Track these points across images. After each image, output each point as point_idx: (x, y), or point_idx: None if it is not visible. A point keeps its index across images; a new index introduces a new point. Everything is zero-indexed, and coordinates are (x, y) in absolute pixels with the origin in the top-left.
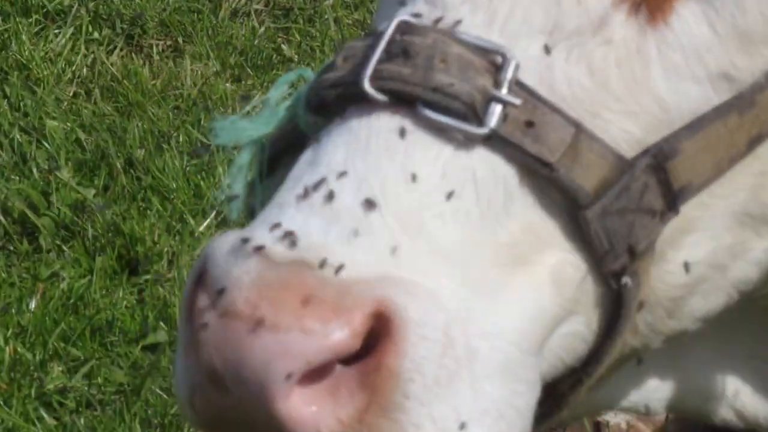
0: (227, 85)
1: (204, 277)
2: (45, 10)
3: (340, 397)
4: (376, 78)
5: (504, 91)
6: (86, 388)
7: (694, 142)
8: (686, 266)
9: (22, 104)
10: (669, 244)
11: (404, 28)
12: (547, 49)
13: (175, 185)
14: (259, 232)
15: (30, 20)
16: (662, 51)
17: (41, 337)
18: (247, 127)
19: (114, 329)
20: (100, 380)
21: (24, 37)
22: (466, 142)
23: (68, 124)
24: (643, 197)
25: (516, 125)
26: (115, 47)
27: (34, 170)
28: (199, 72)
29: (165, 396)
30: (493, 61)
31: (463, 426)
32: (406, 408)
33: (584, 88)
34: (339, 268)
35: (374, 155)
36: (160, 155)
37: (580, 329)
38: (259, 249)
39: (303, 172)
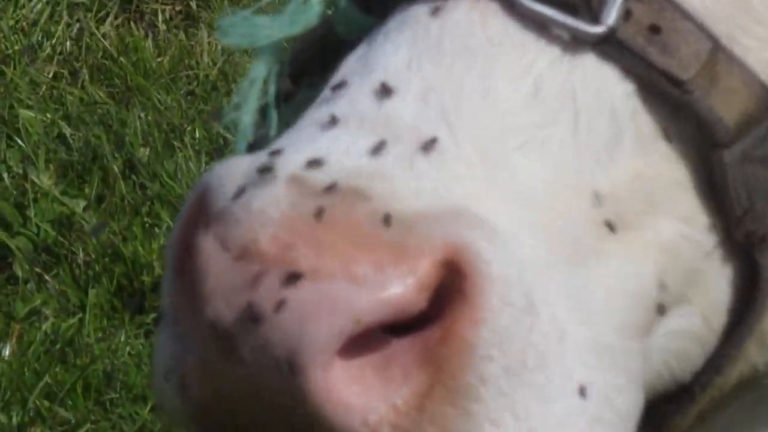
0: None
1: (205, 213)
2: None
3: (394, 376)
4: None
5: None
6: None
7: None
8: None
9: None
10: None
11: None
12: None
13: (188, 197)
14: (286, 154)
15: None
16: None
17: (18, 394)
18: (266, 24)
19: (114, 384)
20: None
21: None
22: (571, 47)
23: (48, 115)
24: None
25: (638, 28)
26: (108, 13)
27: (5, 176)
28: (219, 47)
29: None
30: None
31: (553, 429)
32: (481, 396)
33: (719, 3)
34: (399, 200)
35: (448, 58)
36: (169, 156)
37: (693, 326)
38: (289, 173)
39: (347, 82)
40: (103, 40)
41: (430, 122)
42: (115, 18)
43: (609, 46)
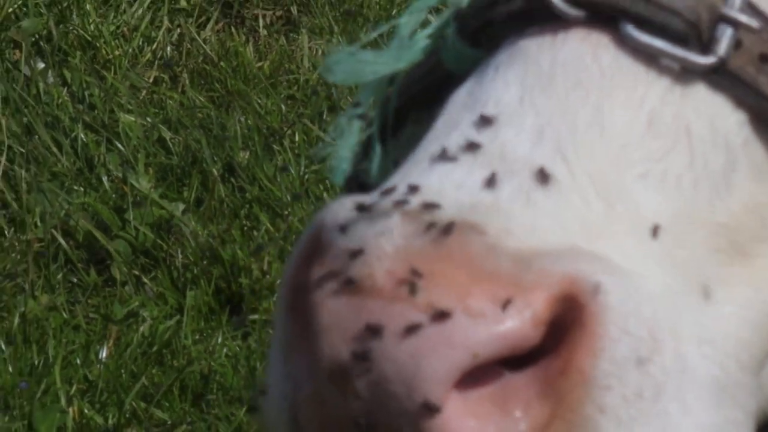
0: None
1: (319, 249)
2: None
3: (512, 409)
4: None
5: (736, 7)
6: None
7: None
8: None
9: (87, 94)
10: None
11: None
12: None
13: (289, 198)
14: (399, 189)
15: None
16: None
17: (115, 396)
18: (371, 60)
19: (211, 385)
20: None
21: (88, 6)
22: (681, 78)
23: (148, 119)
24: None
25: (749, 57)
26: (209, 19)
27: (104, 179)
28: (320, 50)
29: None
30: None
31: None
32: (600, 426)
33: None
34: (515, 236)
35: (560, 92)
36: (269, 159)
37: None
38: (401, 205)
39: (458, 116)
40: (203, 45)
41: (546, 156)
42: (216, 23)
43: (720, 77)
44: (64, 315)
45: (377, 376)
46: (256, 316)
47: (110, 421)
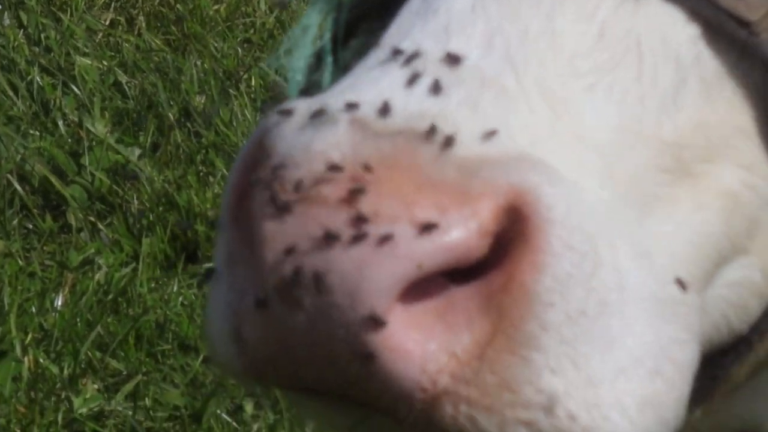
0: None
1: (263, 156)
2: None
3: (455, 324)
4: None
5: None
6: (130, 413)
7: None
8: None
9: (43, 36)
10: None
11: None
12: None
13: (245, 143)
14: (343, 98)
15: None
16: None
17: (70, 345)
18: None
19: (166, 335)
20: (148, 402)
21: None
22: None
23: (104, 62)
24: None
25: None
26: None
27: (60, 123)
28: None
29: (234, 423)
30: None
31: (611, 379)
32: (542, 344)
33: None
34: (463, 145)
35: (512, 0)
36: (225, 104)
37: (752, 276)
38: (348, 112)
39: (409, 24)
40: None
41: (495, 65)
42: None
43: None
44: (20, 262)
45: (320, 286)
46: (211, 264)
47: (66, 371)
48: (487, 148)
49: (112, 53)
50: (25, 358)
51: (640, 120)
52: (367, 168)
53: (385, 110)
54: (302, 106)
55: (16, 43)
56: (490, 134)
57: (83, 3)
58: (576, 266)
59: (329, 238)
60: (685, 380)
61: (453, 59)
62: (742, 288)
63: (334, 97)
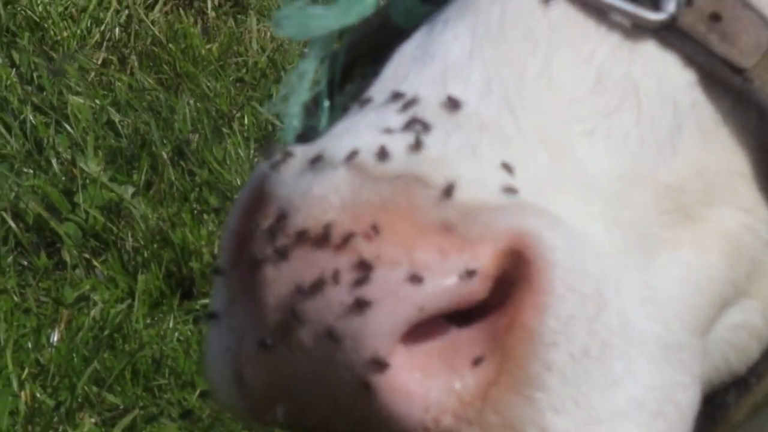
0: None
1: (263, 202)
2: None
3: (458, 364)
4: None
5: None
6: None
7: None
8: None
9: (35, 75)
10: None
11: None
12: None
13: (239, 181)
14: (342, 143)
15: None
16: None
17: (67, 380)
18: (320, 15)
19: (163, 370)
20: None
21: None
22: (631, 35)
23: (97, 101)
24: None
25: (700, 16)
26: (157, 0)
27: (54, 162)
28: (269, 33)
29: None
30: None
31: (613, 419)
32: (545, 384)
33: None
34: (463, 190)
35: (510, 44)
36: (218, 142)
37: (752, 319)
38: (349, 159)
39: (405, 69)
40: (152, 26)
41: (494, 109)
42: (164, 5)
43: (670, 34)
44: (15, 298)
45: (323, 329)
46: (206, 301)
47: (62, 406)
48: (486, 194)
49: (105, 92)
50: (22, 393)
51: (639, 164)
52: (368, 212)
53: (383, 155)
54: (300, 152)
55: (9, 82)
56: (489, 181)
57: (75, 42)
58: (579, 307)
59: (330, 283)
60: (686, 422)
61: (451, 104)
62: (742, 330)
63: (331, 142)
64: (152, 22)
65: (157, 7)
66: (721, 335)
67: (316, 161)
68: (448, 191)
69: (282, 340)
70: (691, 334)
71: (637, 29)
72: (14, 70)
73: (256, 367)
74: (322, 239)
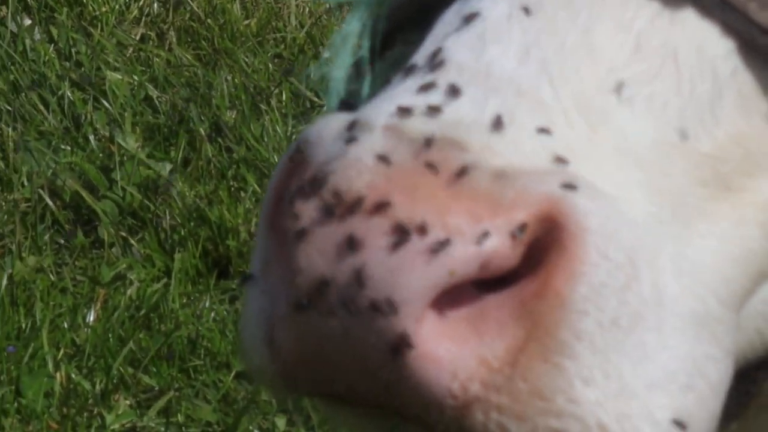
0: None
1: (300, 167)
2: None
3: (487, 331)
4: None
5: None
6: (162, 429)
7: None
8: None
9: (73, 51)
10: None
11: None
12: None
13: (276, 158)
14: (381, 108)
15: None
16: None
17: (102, 361)
18: None
19: (198, 350)
20: (180, 418)
21: None
22: (671, 3)
23: (135, 77)
24: None
25: None
26: None
27: (91, 138)
28: (307, 8)
29: None
30: None
31: (643, 391)
32: (575, 351)
33: None
34: (497, 154)
35: (549, 11)
36: (256, 118)
37: None
38: (385, 123)
39: (444, 35)
40: (190, 2)
41: (532, 76)
42: None
43: (709, 2)
44: (52, 277)
45: (353, 291)
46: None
47: (98, 387)
48: (521, 159)
49: (143, 68)
50: (57, 374)
51: (679, 133)
52: (402, 173)
53: (420, 118)
54: (340, 118)
55: (47, 58)
56: (526, 146)
57: (114, 18)
58: (612, 276)
59: (363, 244)
60: (717, 397)
61: (489, 69)
62: None
63: (370, 107)
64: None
65: None
66: (755, 308)
67: (354, 125)
68: (482, 156)
69: (314, 302)
70: (726, 308)
71: None
72: (52, 45)
73: (287, 329)
74: (355, 202)
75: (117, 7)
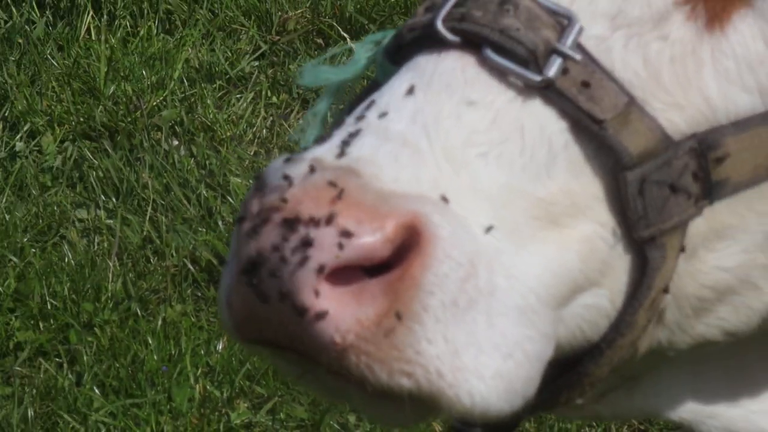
0: None
1: (260, 186)
2: (227, 76)
3: (363, 301)
4: (448, 19)
5: (567, 46)
6: (270, 423)
7: (738, 140)
8: (716, 270)
9: (207, 162)
10: (701, 243)
11: None
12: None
13: None
14: (313, 148)
15: (214, 86)
16: (716, 57)
17: (228, 376)
18: (328, 71)
19: None
20: (282, 416)
21: (209, 101)
22: (522, 93)
23: (250, 180)
24: (682, 176)
25: (573, 82)
26: (292, 110)
27: (220, 223)
28: None
29: (342, 430)
30: (560, 22)
31: (473, 354)
32: (422, 319)
33: (638, 75)
34: (382, 182)
35: (435, 90)
36: None
37: (602, 303)
38: (311, 157)
39: (367, 102)
40: (288, 129)
41: (415, 133)
42: (297, 113)
43: (550, 93)
44: (192, 319)
45: (271, 267)
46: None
47: (225, 395)
48: (399, 186)
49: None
50: (197, 386)
51: (520, 181)
52: (314, 188)
53: (334, 154)
54: (286, 156)
55: (189, 167)
56: (402, 178)
57: (235, 139)
58: (452, 270)
59: (281, 239)
60: (533, 366)
61: (387, 126)
62: (594, 310)
63: (309, 149)
64: (289, 126)
65: (293, 115)
66: (576, 311)
67: (296, 159)
68: (371, 181)
69: (248, 278)
70: (543, 305)
71: (528, 88)
72: (192, 159)
73: (236, 295)
74: (279, 208)
75: (237, 132)
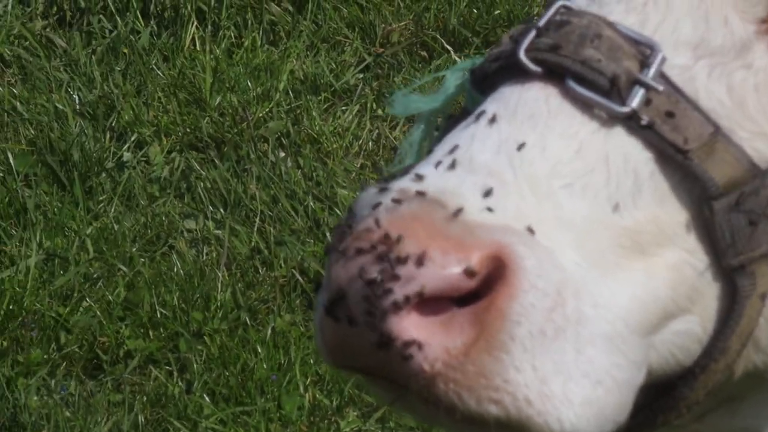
0: None
1: (349, 216)
2: (333, 88)
3: (451, 331)
4: (531, 50)
5: (649, 77)
6: (379, 431)
7: None
8: None
9: (314, 174)
10: None
11: (563, 10)
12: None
13: None
14: (401, 178)
15: (319, 98)
16: None
17: (337, 385)
18: (418, 100)
19: None
20: (392, 424)
21: (314, 113)
22: (606, 123)
23: (357, 192)
24: None
25: (657, 112)
26: (398, 123)
27: (327, 234)
28: None
29: None
30: (642, 51)
31: (561, 382)
32: (510, 349)
33: (722, 104)
34: (467, 213)
35: (519, 120)
36: None
37: (694, 329)
38: (398, 188)
39: (456, 135)
40: (394, 141)
41: (500, 164)
42: (403, 126)
43: (633, 124)
44: (301, 329)
45: (360, 297)
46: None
47: (334, 403)
48: (484, 218)
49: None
50: (306, 394)
51: (605, 212)
52: (402, 222)
53: (420, 184)
54: (377, 186)
55: (296, 179)
56: (488, 209)
57: (341, 152)
58: (538, 299)
59: (369, 271)
60: (622, 392)
61: (472, 158)
62: (685, 336)
63: (395, 179)
64: (395, 138)
65: (398, 128)
66: (667, 337)
67: (383, 189)
68: (457, 213)
69: (338, 308)
70: (632, 332)
71: (611, 119)
72: (299, 170)
73: (326, 324)
74: (367, 239)
75: (344, 144)
